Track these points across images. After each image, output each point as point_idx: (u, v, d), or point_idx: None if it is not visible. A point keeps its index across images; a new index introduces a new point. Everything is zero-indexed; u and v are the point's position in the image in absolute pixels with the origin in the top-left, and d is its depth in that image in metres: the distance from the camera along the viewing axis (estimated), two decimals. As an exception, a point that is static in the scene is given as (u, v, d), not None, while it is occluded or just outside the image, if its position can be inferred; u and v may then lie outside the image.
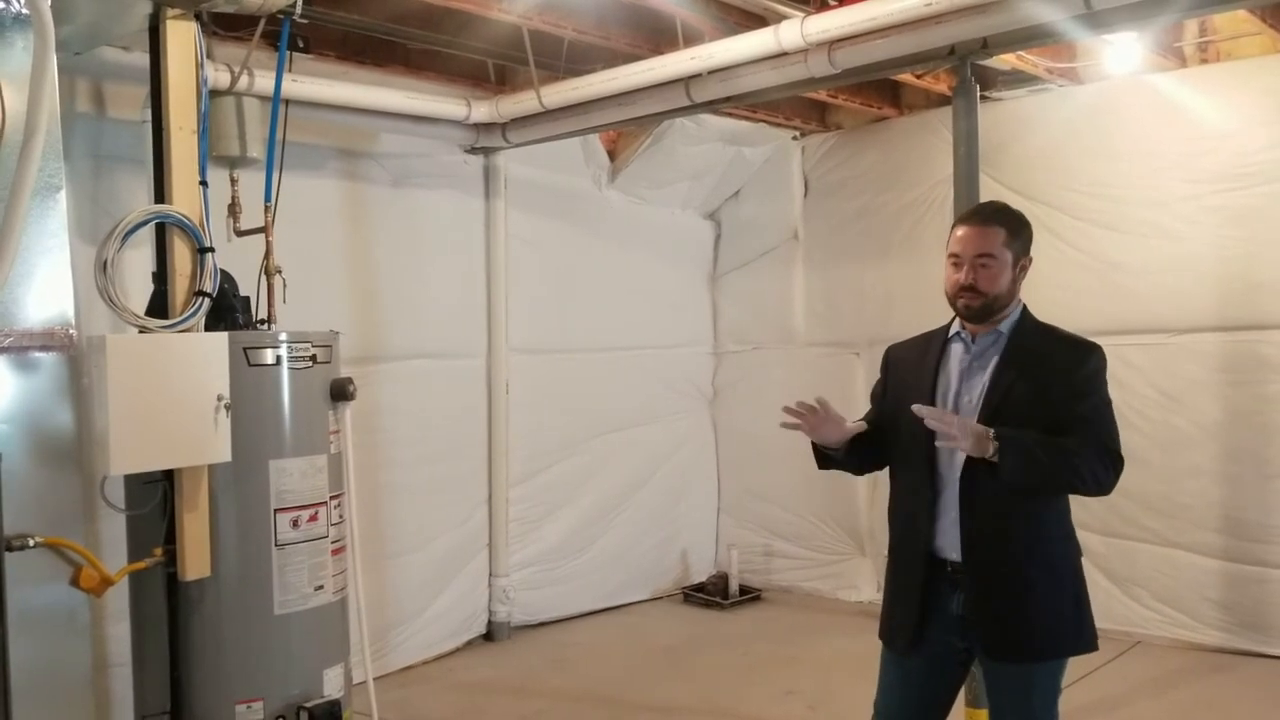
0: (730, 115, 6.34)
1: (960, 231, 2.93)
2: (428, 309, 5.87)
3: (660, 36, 5.15)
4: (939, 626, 2.89)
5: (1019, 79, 5.91)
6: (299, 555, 3.64)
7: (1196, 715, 4.96)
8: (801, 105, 6.74)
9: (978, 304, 2.87)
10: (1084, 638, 2.88)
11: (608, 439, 6.88)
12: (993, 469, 2.72)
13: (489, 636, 6.28)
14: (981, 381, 2.88)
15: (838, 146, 7.01)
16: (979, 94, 4.69)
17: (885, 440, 3.05)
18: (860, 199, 6.88)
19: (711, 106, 5.36)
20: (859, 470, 3.18)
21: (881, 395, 3.17)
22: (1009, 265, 2.88)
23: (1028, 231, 2.94)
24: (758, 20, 4.88)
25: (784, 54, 4.64)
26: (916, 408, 2.76)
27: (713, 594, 7.05)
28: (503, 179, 6.17)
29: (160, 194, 3.50)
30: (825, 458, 3.09)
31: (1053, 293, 5.71)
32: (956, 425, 2.70)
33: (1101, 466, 2.79)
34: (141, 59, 3.70)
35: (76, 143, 4.32)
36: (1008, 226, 2.91)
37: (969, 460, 2.78)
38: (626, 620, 6.79)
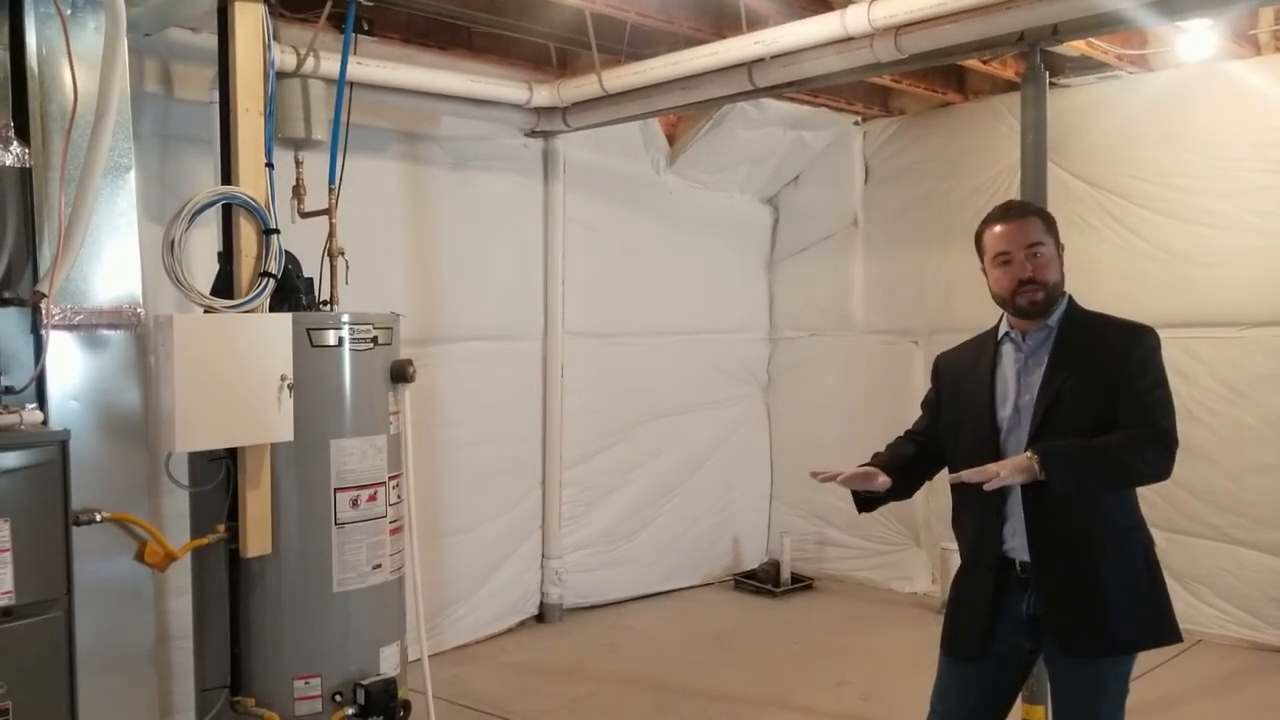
0: (792, 100, 6.29)
1: (999, 229, 2.88)
2: (486, 291, 5.89)
3: (723, 20, 5.11)
4: (1006, 628, 2.85)
5: (1088, 65, 5.80)
6: (358, 534, 3.67)
7: (1258, 716, 4.88)
8: (864, 90, 6.67)
9: (1040, 296, 2.81)
10: (1165, 627, 2.84)
11: (661, 424, 6.88)
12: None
13: (541, 618, 6.32)
14: (1039, 379, 2.83)
15: (900, 132, 6.93)
16: (1048, 80, 4.61)
17: (939, 452, 3.03)
18: (922, 185, 6.79)
19: (774, 91, 5.30)
20: (908, 495, 3.09)
21: (935, 405, 3.12)
22: (1055, 253, 2.86)
23: (1053, 222, 2.93)
24: (822, 4, 4.84)
25: (850, 39, 4.58)
26: (953, 476, 2.74)
27: (764, 581, 7.02)
28: (561, 162, 6.17)
29: (227, 175, 3.54)
30: (867, 502, 3.02)
31: (1118, 283, 5.63)
32: (994, 468, 2.65)
33: (1154, 453, 2.72)
34: (209, 40, 3.73)
35: (145, 123, 4.36)
36: (1042, 217, 2.92)
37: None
38: (677, 605, 6.79)
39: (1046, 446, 2.68)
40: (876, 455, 3.06)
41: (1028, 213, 2.92)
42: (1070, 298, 2.91)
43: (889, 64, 4.72)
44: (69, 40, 3.02)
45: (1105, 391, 2.75)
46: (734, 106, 6.24)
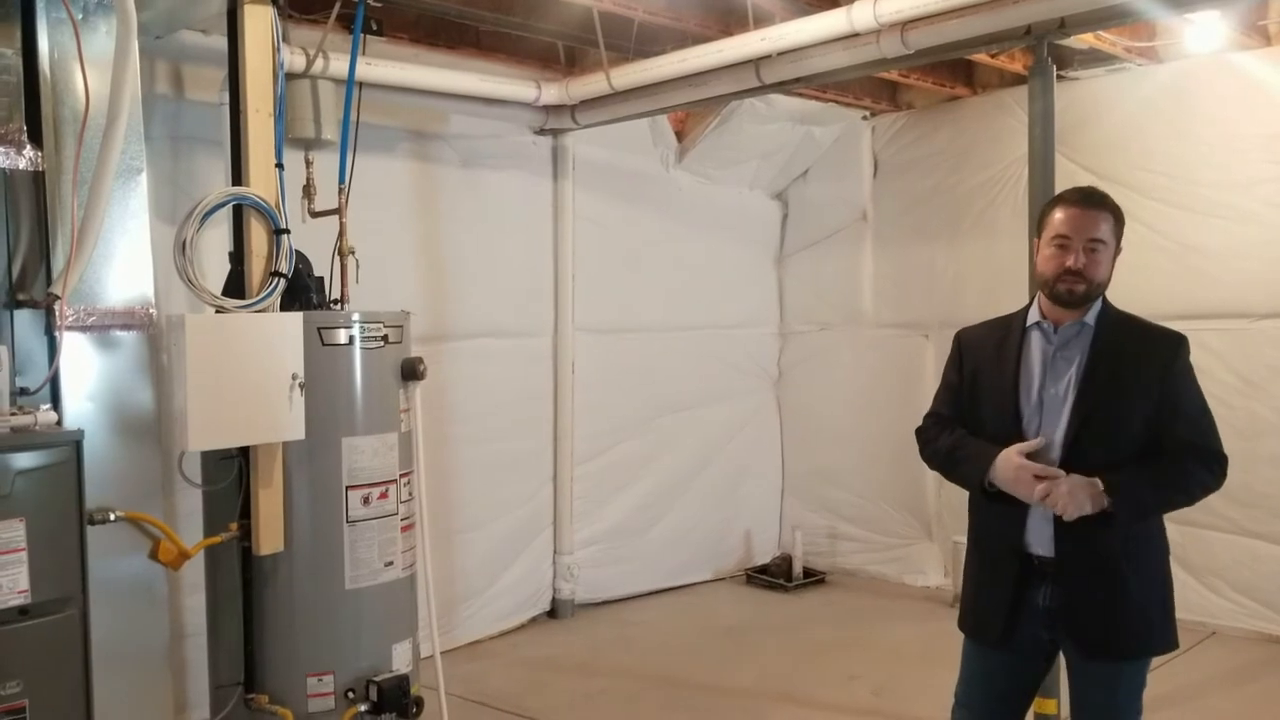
0: (800, 95, 6.28)
1: (1065, 213, 2.81)
2: (496, 289, 5.91)
3: (730, 17, 5.12)
4: (1027, 620, 2.84)
5: (1096, 58, 5.79)
6: (370, 531, 3.68)
7: (1273, 708, 4.87)
8: (872, 85, 6.66)
9: (1081, 289, 2.78)
10: (1169, 637, 2.85)
11: (672, 419, 6.89)
12: (1091, 469, 2.68)
13: (553, 613, 6.35)
14: (1068, 375, 2.81)
15: (909, 126, 6.92)
16: (1055, 74, 4.60)
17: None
18: (931, 179, 6.79)
19: (781, 87, 5.32)
20: None
21: (959, 383, 3.04)
22: (1112, 254, 2.82)
23: (1123, 221, 2.88)
24: (828, 1, 4.84)
25: (856, 35, 4.59)
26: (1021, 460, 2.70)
27: (776, 576, 7.04)
28: (571, 160, 6.19)
29: (237, 176, 3.55)
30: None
31: (1128, 275, 5.51)
32: (1065, 493, 2.64)
33: (1208, 474, 2.75)
34: (220, 42, 3.75)
35: (156, 124, 4.39)
36: (1114, 213, 2.85)
37: (1067, 457, 2.72)
38: (689, 600, 6.80)
39: (1121, 481, 2.66)
40: (962, 437, 2.95)
41: (1103, 206, 2.83)
42: (1104, 296, 2.87)
43: (896, 59, 4.71)
44: (80, 44, 3.04)
45: (1144, 402, 2.76)
46: (742, 102, 6.24)
